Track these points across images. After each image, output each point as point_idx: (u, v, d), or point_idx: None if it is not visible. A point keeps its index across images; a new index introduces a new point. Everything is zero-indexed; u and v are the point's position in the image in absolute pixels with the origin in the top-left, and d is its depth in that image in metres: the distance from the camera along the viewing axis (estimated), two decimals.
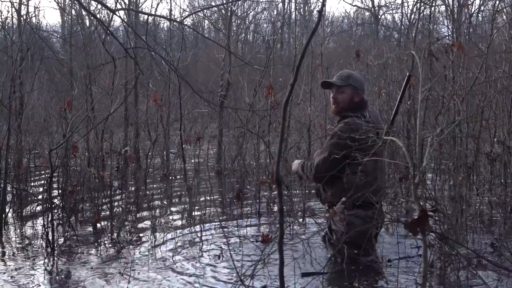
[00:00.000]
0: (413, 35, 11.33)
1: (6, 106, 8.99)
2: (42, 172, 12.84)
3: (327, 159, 5.03)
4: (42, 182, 11.36)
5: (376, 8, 37.28)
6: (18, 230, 8.01)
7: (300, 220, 8.05)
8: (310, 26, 23.85)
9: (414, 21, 17.98)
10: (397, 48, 14.40)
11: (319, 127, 12.09)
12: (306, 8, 38.43)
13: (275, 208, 8.93)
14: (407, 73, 4.81)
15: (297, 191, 9.73)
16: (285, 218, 7.41)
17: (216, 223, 8.00)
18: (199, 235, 7.18)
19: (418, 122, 4.07)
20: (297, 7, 38.04)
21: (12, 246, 7.09)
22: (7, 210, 8.38)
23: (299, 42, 18.12)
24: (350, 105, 5.15)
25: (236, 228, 7.71)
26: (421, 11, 18.21)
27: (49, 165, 7.16)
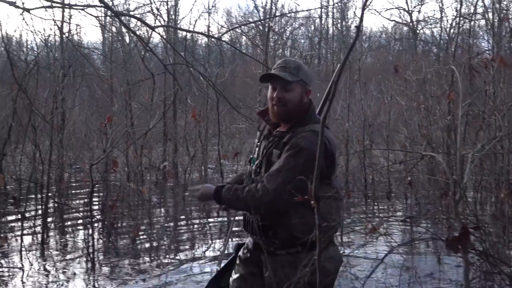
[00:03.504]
0: (453, 49, 11.20)
1: (48, 121, 9.17)
2: (82, 187, 13.04)
3: (291, 183, 2.92)
4: (83, 196, 11.54)
5: (415, 22, 36.97)
6: (60, 243, 8.13)
7: (339, 236, 7.99)
8: (348, 42, 23.82)
9: (453, 36, 17.78)
10: (436, 63, 14.26)
11: (357, 143, 12.03)
12: (344, 23, 38.40)
13: None
14: (338, 65, 3.33)
15: None
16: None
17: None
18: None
19: (459, 138, 4.02)
20: (335, 23, 38.01)
21: (53, 259, 7.20)
22: (49, 224, 8.51)
23: (336, 58, 18.10)
24: (300, 108, 3.26)
25: None
26: (460, 25, 18.02)
27: (90, 180, 7.27)
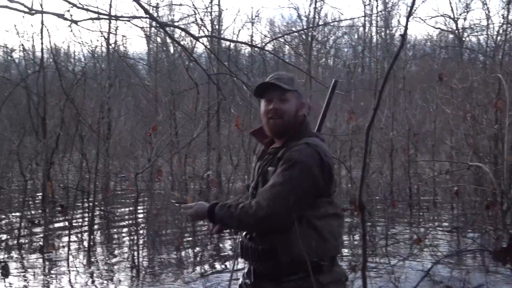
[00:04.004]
0: (500, 57, 11.01)
1: (95, 131, 9.34)
2: (128, 195, 13.22)
3: (286, 197, 2.72)
4: (128, 204, 11.69)
5: (460, 30, 36.45)
6: (105, 251, 8.26)
7: (383, 247, 7.91)
8: (392, 50, 23.62)
9: (500, 43, 17.46)
10: (482, 71, 14.03)
11: (401, 152, 11.90)
12: (388, 32, 38.09)
13: (357, 235, 8.82)
14: (333, 80, 3.28)
15: (381, 218, 9.58)
16: (368, 245, 7.30)
17: None
18: None
19: (506, 147, 3.94)
20: (378, 31, 37.74)
21: (99, 267, 7.31)
22: (95, 231, 8.65)
23: (380, 66, 17.98)
24: (297, 121, 3.00)
25: None
26: (507, 32, 17.66)
27: (135, 188, 7.37)
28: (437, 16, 46.16)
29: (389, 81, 11.25)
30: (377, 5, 35.12)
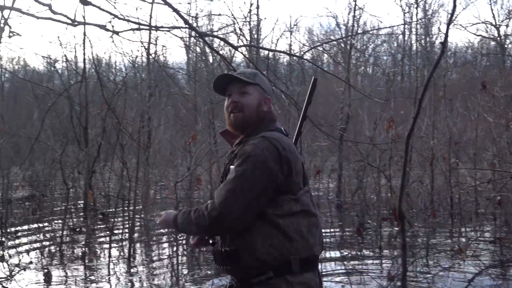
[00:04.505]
0: None
1: (135, 140, 9.47)
2: (167, 203, 13.33)
3: (239, 193, 2.54)
4: None
5: (502, 37, 35.88)
6: (145, 258, 8.34)
7: (423, 257, 7.80)
8: (432, 58, 23.35)
9: None
10: None
11: (442, 161, 11.74)
12: (428, 39, 37.68)
13: (397, 244, 8.73)
14: (313, 77, 3.01)
15: (421, 228, 9.46)
16: (408, 254, 7.22)
17: (337, 258, 7.91)
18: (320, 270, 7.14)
19: None
20: (418, 39, 37.35)
21: (140, 275, 7.39)
22: (135, 239, 8.75)
23: (420, 74, 17.79)
24: (259, 115, 2.83)
25: (357, 263, 7.60)
26: None
27: (174, 197, 7.44)
28: (478, 23, 45.40)
29: (429, 89, 11.12)
30: (417, 13, 34.70)
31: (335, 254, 8.24)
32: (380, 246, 8.52)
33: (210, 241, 2.76)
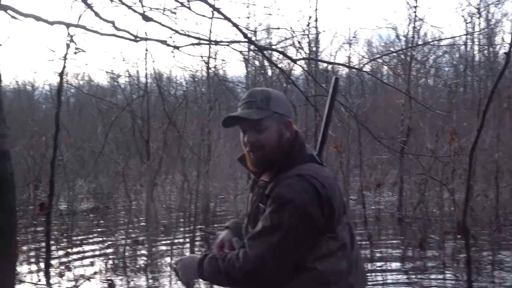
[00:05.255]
0: None
1: (196, 153, 9.60)
2: (227, 216, 13.42)
3: (277, 246, 2.26)
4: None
5: None
6: None
7: (489, 273, 7.60)
8: (496, 68, 22.79)
9: None
10: None
11: (508, 174, 11.42)
12: (491, 50, 36.88)
13: (461, 259, 8.54)
14: (334, 77, 2.59)
15: (486, 243, 9.22)
16: (473, 270, 7.05)
17: (399, 271, 7.80)
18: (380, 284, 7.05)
19: None
20: (481, 49, 36.57)
21: (200, 286, 7.45)
22: (196, 251, 8.83)
23: (483, 85, 17.40)
24: (283, 148, 2.47)
25: (420, 277, 7.46)
26: None
27: (234, 210, 7.49)
28: None
29: (493, 100, 10.89)
30: (479, 23, 33.99)
31: (396, 265, 8.12)
32: (444, 261, 8.34)
33: None
